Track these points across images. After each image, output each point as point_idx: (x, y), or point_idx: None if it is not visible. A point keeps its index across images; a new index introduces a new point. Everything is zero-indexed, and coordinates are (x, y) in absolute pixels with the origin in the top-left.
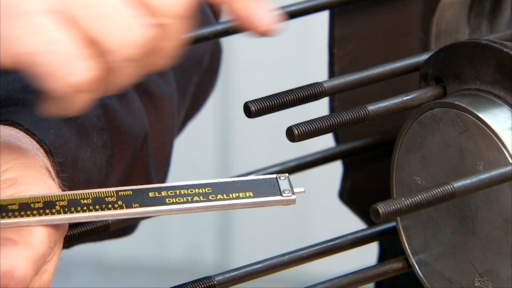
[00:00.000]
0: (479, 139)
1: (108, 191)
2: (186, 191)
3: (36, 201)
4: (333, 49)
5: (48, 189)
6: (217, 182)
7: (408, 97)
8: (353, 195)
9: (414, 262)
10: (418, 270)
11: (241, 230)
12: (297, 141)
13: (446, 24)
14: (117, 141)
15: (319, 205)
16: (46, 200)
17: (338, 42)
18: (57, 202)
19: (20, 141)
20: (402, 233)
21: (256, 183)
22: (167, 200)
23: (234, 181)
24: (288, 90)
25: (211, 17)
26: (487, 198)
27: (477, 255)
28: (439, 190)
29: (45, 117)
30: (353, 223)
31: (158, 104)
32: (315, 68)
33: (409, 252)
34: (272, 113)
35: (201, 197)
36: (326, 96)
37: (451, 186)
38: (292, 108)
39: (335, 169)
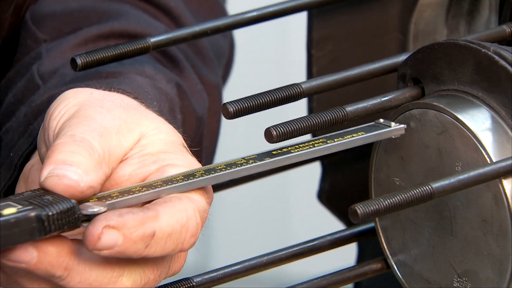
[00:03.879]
0: (457, 139)
1: (238, 159)
2: (304, 144)
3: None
4: (311, 50)
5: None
6: (326, 135)
7: (386, 98)
8: (332, 196)
9: (393, 263)
10: (397, 270)
11: (220, 231)
12: (276, 142)
13: (424, 25)
14: (185, 121)
15: (298, 206)
16: (187, 173)
17: (316, 43)
18: (196, 173)
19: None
20: (381, 234)
21: (361, 128)
22: (291, 151)
23: (340, 132)
24: (267, 91)
25: (223, 6)
26: (466, 199)
27: (456, 255)
28: (417, 190)
29: (145, 88)
30: (332, 224)
31: (209, 90)
32: (293, 69)
33: (388, 253)
34: (251, 114)
35: (320, 143)
36: (304, 97)
37: (430, 186)
38: (270, 109)
39: (314, 170)
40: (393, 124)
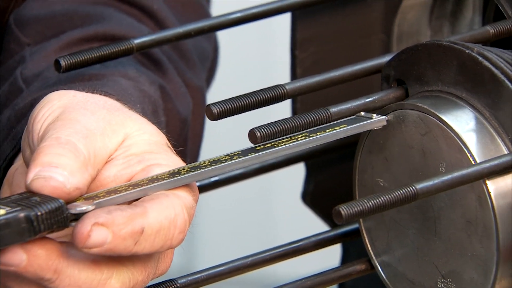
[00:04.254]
0: (441, 140)
1: (223, 156)
2: (288, 139)
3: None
4: (295, 51)
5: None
6: (309, 130)
7: (370, 99)
8: (316, 197)
9: (377, 264)
10: (381, 271)
11: (205, 233)
12: (260, 143)
13: (408, 26)
14: (168, 123)
15: (282, 207)
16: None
17: (300, 44)
18: (181, 171)
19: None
20: (365, 235)
21: (343, 121)
22: (275, 145)
23: (323, 126)
24: (251, 93)
25: (207, 9)
26: (450, 200)
27: (440, 256)
28: (401, 191)
29: (128, 90)
30: (316, 225)
31: (192, 93)
32: (277, 70)
33: (372, 253)
34: (235, 116)
35: (303, 136)
36: (288, 98)
37: (414, 187)
38: (254, 110)
39: (298, 171)
40: (374, 115)
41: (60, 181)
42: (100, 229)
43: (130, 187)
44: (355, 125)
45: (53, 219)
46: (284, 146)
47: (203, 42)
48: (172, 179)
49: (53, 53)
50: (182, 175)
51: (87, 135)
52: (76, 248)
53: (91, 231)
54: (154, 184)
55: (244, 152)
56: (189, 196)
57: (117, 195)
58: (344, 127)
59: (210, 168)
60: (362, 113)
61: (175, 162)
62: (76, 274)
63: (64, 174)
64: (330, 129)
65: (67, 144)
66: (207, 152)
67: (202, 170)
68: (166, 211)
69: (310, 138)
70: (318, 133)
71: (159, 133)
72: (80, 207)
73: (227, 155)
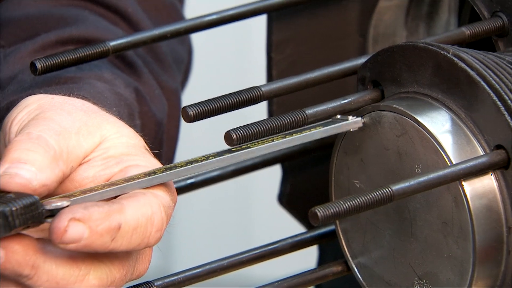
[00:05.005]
0: (417, 142)
1: (199, 157)
2: (264, 140)
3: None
4: (271, 53)
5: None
6: (285, 132)
7: (346, 101)
8: (292, 199)
9: (354, 265)
10: (357, 273)
11: (181, 234)
12: (236, 145)
13: (384, 28)
14: (144, 126)
15: (259, 209)
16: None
17: (276, 46)
18: (157, 171)
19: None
20: (341, 236)
21: (319, 124)
22: (250, 146)
23: (299, 129)
24: (227, 94)
25: (180, 12)
26: (426, 201)
27: (416, 258)
28: (377, 193)
29: (104, 93)
30: (293, 227)
31: (168, 96)
32: (253, 72)
33: (348, 255)
34: (210, 118)
35: (279, 137)
36: (264, 100)
37: (390, 189)
38: (230, 112)
39: (275, 173)
40: (350, 117)
41: (26, 178)
42: (77, 225)
43: (106, 186)
44: (331, 126)
45: (28, 214)
46: (260, 146)
47: (177, 45)
48: (148, 177)
49: (28, 55)
50: (158, 174)
51: (60, 132)
52: (53, 244)
53: (68, 226)
54: (130, 183)
55: (220, 153)
56: (166, 195)
57: (92, 193)
58: (320, 128)
59: (186, 167)
60: (338, 116)
61: (153, 164)
62: (53, 269)
63: (31, 170)
64: (306, 131)
65: (37, 139)
66: (183, 154)
67: (177, 170)
68: (143, 208)
69: (285, 139)
70: (294, 135)
71: (137, 136)
72: (56, 203)
73: (203, 156)
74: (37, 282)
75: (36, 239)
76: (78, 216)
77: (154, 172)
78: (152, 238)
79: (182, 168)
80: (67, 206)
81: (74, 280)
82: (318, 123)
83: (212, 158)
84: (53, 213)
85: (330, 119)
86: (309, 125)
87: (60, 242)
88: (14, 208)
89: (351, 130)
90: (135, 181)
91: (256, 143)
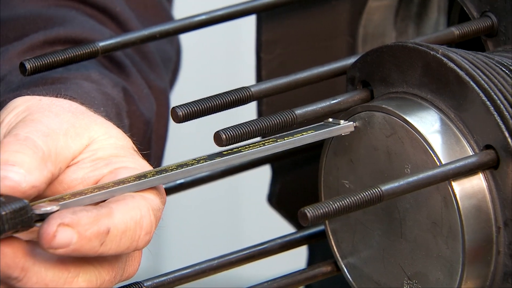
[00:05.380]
0: (406, 142)
1: (189, 160)
2: (255, 144)
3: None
4: (260, 54)
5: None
6: (276, 135)
7: (335, 101)
8: (282, 199)
9: (343, 266)
10: (347, 273)
11: (171, 235)
12: (225, 146)
13: (373, 28)
14: (132, 125)
15: (248, 209)
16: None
17: (266, 46)
18: (147, 174)
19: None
20: (331, 237)
21: (311, 127)
22: (242, 150)
23: (290, 132)
24: (216, 95)
25: (169, 11)
26: (415, 201)
27: (406, 258)
28: (366, 193)
29: (91, 93)
30: (282, 227)
31: (156, 95)
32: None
33: (338, 255)
34: (200, 118)
35: (270, 141)
36: (253, 100)
37: (379, 189)
38: (220, 113)
39: (264, 173)
40: (342, 121)
41: (15, 180)
42: (66, 230)
43: (96, 190)
44: (322, 130)
45: (18, 219)
46: (251, 150)
47: (165, 44)
48: (138, 181)
49: (16, 56)
50: (148, 178)
51: (48, 134)
52: (42, 249)
53: (57, 232)
54: (120, 187)
55: (211, 157)
56: (156, 198)
57: (82, 196)
58: (312, 132)
59: (176, 171)
60: (330, 119)
61: (142, 165)
62: (42, 272)
63: (20, 172)
64: (298, 134)
65: (25, 140)
66: (172, 154)
67: (168, 173)
68: (132, 212)
69: (277, 143)
70: (285, 138)
71: (125, 137)
72: (45, 207)
73: (194, 159)
74: (26, 284)
75: (25, 241)
76: (66, 221)
77: (144, 176)
78: (141, 241)
79: (173, 172)
80: (57, 210)
81: (63, 282)
82: (310, 126)
83: (203, 162)
84: (43, 217)
85: (322, 123)
86: (301, 129)
87: (49, 247)
88: (3, 213)
89: (342, 134)
90: (125, 185)
91: (247, 146)
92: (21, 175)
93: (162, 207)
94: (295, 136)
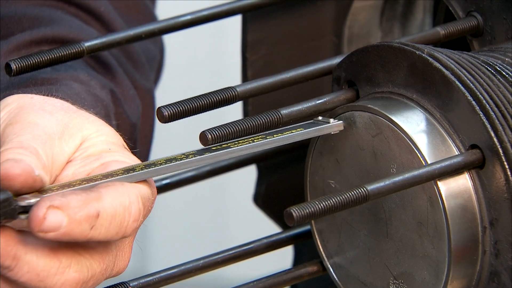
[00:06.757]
0: (392, 141)
1: (178, 155)
2: (244, 140)
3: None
4: (246, 54)
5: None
6: (265, 132)
7: (321, 101)
8: (268, 199)
9: (329, 266)
10: (333, 273)
11: (157, 235)
12: (210, 145)
13: (358, 28)
14: (118, 127)
15: (234, 209)
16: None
17: (251, 47)
18: (136, 167)
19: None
20: (317, 237)
21: (300, 125)
22: (231, 146)
23: (279, 129)
24: (202, 95)
25: (152, 11)
26: (401, 201)
27: (392, 257)
28: (352, 193)
29: (81, 95)
30: (268, 227)
31: (142, 95)
32: (228, 72)
33: (324, 255)
34: (186, 118)
35: (259, 138)
36: (239, 100)
37: (365, 189)
38: (205, 113)
39: (250, 173)
40: (331, 120)
41: (30, 165)
42: (56, 212)
43: (84, 182)
44: (312, 128)
45: (1, 210)
46: (240, 147)
47: (149, 44)
48: (127, 174)
49: (2, 56)
50: (136, 171)
51: (46, 140)
52: (32, 234)
53: (47, 214)
54: (109, 179)
55: (200, 152)
56: (145, 187)
57: (71, 188)
58: (302, 130)
59: (165, 165)
60: (320, 118)
61: (132, 160)
62: (34, 261)
63: (33, 161)
64: (287, 132)
65: (28, 148)
66: (158, 155)
67: (156, 168)
68: (121, 197)
69: (266, 140)
70: (275, 136)
71: (116, 134)
72: (29, 199)
73: (183, 154)
74: (17, 273)
75: (17, 231)
76: (56, 203)
77: (133, 169)
78: (129, 228)
79: (162, 166)
80: None
81: (54, 272)
82: (299, 124)
83: (192, 157)
84: (26, 209)
85: (312, 121)
86: (290, 126)
87: (39, 231)
88: None
89: (332, 133)
90: (113, 178)
91: (236, 143)
92: (34, 164)
93: (152, 199)
94: (284, 133)
